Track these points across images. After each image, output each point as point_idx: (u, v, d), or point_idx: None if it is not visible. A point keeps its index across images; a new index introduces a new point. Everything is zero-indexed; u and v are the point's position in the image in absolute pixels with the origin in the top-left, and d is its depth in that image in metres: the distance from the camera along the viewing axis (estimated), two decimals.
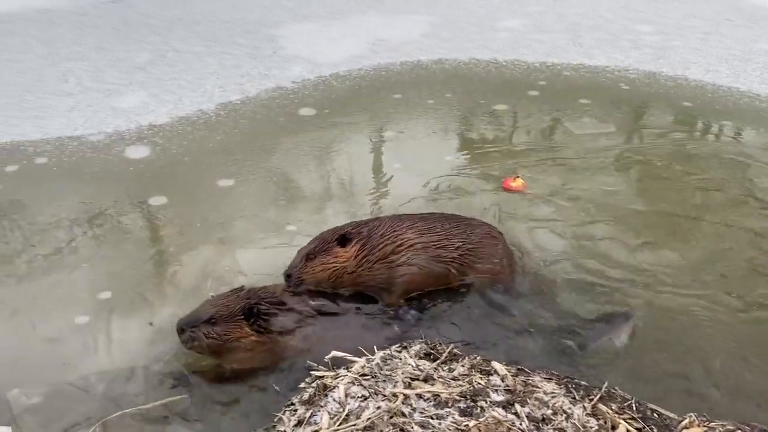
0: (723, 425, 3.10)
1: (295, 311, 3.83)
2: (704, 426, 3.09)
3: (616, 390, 3.32)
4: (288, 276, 4.03)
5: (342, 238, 4.02)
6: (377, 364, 3.39)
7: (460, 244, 4.15)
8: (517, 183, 5.31)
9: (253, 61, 8.13)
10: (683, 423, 3.11)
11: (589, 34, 8.87)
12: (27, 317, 4.17)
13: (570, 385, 3.32)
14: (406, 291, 4.07)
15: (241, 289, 3.83)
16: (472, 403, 3.10)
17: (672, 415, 3.18)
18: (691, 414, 3.16)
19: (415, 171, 5.72)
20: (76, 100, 7.10)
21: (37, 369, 3.73)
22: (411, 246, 4.05)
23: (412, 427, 2.93)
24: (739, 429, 3.08)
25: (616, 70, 7.73)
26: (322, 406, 3.10)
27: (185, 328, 3.66)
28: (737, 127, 6.57)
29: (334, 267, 3.99)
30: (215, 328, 3.63)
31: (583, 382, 3.38)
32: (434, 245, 4.09)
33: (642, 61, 7.92)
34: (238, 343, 3.67)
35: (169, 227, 5.05)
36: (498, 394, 3.18)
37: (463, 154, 6.06)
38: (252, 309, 3.68)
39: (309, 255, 4.01)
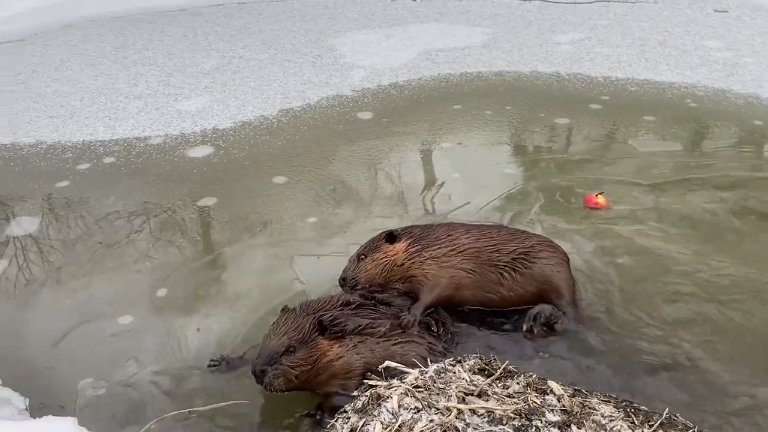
0: None
1: (361, 307, 3.74)
2: None
3: (677, 417, 3.19)
4: (343, 279, 4.04)
5: (390, 235, 4.05)
6: (431, 376, 3.37)
7: (514, 248, 4.07)
8: (600, 200, 5.21)
9: (314, 69, 8.26)
10: None
11: (656, 49, 8.66)
12: (90, 312, 4.31)
13: (629, 409, 3.21)
14: (452, 292, 4.03)
15: (286, 309, 3.62)
16: (527, 422, 3.04)
17: None
18: None
19: (475, 182, 5.68)
20: (145, 102, 7.35)
21: (100, 363, 3.84)
22: (464, 251, 4.03)
23: None
24: None
25: (683, 87, 7.50)
26: (375, 416, 3.09)
27: (267, 368, 3.36)
28: None
29: (384, 262, 4.00)
30: (297, 355, 3.39)
31: (642, 407, 3.27)
32: (488, 249, 4.04)
33: (711, 78, 7.67)
34: (326, 358, 3.47)
35: (226, 229, 5.15)
36: (554, 414, 3.11)
37: (523, 168, 5.98)
38: (321, 322, 3.49)
39: (360, 256, 4.07)
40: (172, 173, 5.89)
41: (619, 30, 9.41)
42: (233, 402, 3.50)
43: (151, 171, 5.93)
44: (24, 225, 5.24)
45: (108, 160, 6.13)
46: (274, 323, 3.52)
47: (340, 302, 3.73)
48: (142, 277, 4.62)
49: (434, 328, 3.91)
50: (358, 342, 3.57)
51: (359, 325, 3.63)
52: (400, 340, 3.72)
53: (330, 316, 3.56)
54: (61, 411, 3.46)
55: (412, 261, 4.00)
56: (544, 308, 4.00)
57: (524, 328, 3.94)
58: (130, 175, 5.89)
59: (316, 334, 3.46)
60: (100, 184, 5.75)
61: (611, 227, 4.99)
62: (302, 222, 5.21)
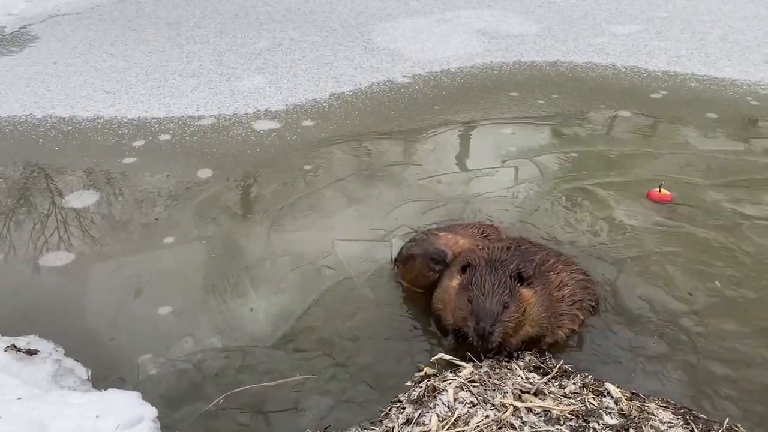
0: None
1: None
2: None
3: (738, 427, 3.13)
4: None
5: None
6: (486, 372, 3.36)
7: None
8: (663, 193, 5.16)
9: (365, 54, 8.23)
10: None
11: (717, 44, 8.40)
12: (146, 287, 4.36)
13: (688, 417, 3.17)
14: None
15: (470, 266, 3.59)
16: (584, 424, 3.02)
17: None
18: None
19: (525, 172, 5.61)
20: (198, 81, 7.42)
21: (157, 338, 3.90)
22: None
23: None
24: None
25: (746, 85, 7.27)
26: (431, 408, 3.10)
27: (492, 330, 3.36)
28: None
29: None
30: (511, 310, 3.43)
31: (702, 415, 3.22)
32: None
33: None
34: (529, 305, 3.52)
35: (276, 211, 5.13)
36: (611, 417, 3.08)
37: (575, 161, 5.86)
38: (521, 274, 3.54)
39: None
40: (225, 154, 5.94)
41: (679, 23, 9.16)
42: (302, 377, 3.56)
43: (205, 150, 6.00)
44: (82, 199, 5.35)
45: (163, 137, 6.21)
46: (473, 283, 3.49)
47: (505, 248, 3.83)
48: (197, 255, 4.68)
49: None
50: (543, 283, 3.71)
51: (535, 264, 3.76)
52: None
53: (517, 266, 3.61)
54: (121, 383, 3.54)
55: None
56: None
57: None
58: (185, 153, 5.96)
59: (518, 285, 3.52)
60: (156, 161, 5.84)
61: (671, 224, 4.88)
62: (350, 206, 5.20)
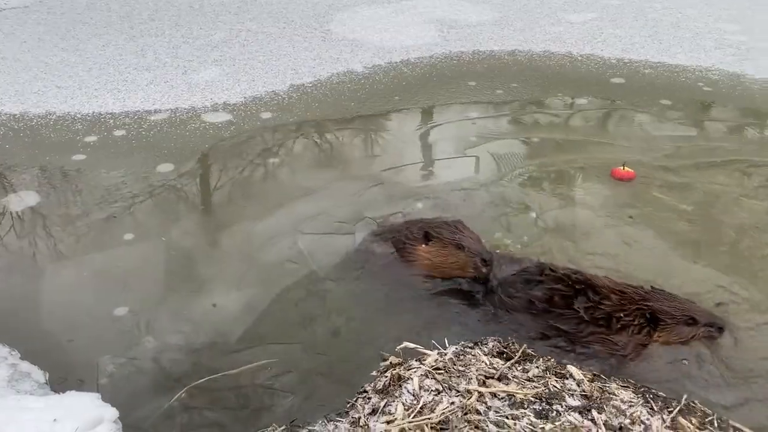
0: None
1: None
2: None
3: (695, 404, 3.22)
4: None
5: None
6: (450, 359, 3.38)
7: None
8: (627, 171, 5.29)
9: (324, 44, 8.16)
10: None
11: (669, 31, 8.58)
12: (104, 286, 4.27)
13: (647, 395, 3.24)
14: None
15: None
16: (547, 406, 3.06)
17: None
18: None
19: (485, 161, 5.66)
20: (154, 75, 7.26)
21: (117, 338, 3.82)
22: None
23: (487, 426, 2.91)
24: None
25: (697, 70, 7.44)
26: (396, 397, 3.11)
27: None
28: None
29: None
30: None
31: (660, 393, 3.29)
32: None
33: (725, 62, 7.61)
34: None
35: (235, 205, 5.09)
36: (574, 399, 3.13)
37: (533, 148, 5.94)
38: None
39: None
40: (183, 148, 5.83)
41: (631, 11, 9.32)
42: (263, 362, 3.55)
43: (162, 145, 5.87)
44: (36, 197, 5.19)
45: (118, 132, 6.06)
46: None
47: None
48: (157, 251, 4.59)
49: None
50: None
51: None
52: None
53: None
54: (80, 385, 3.45)
55: None
56: None
57: None
58: (142, 148, 5.82)
59: None
60: (111, 157, 5.69)
61: (635, 200, 5.01)
62: (312, 199, 5.15)
